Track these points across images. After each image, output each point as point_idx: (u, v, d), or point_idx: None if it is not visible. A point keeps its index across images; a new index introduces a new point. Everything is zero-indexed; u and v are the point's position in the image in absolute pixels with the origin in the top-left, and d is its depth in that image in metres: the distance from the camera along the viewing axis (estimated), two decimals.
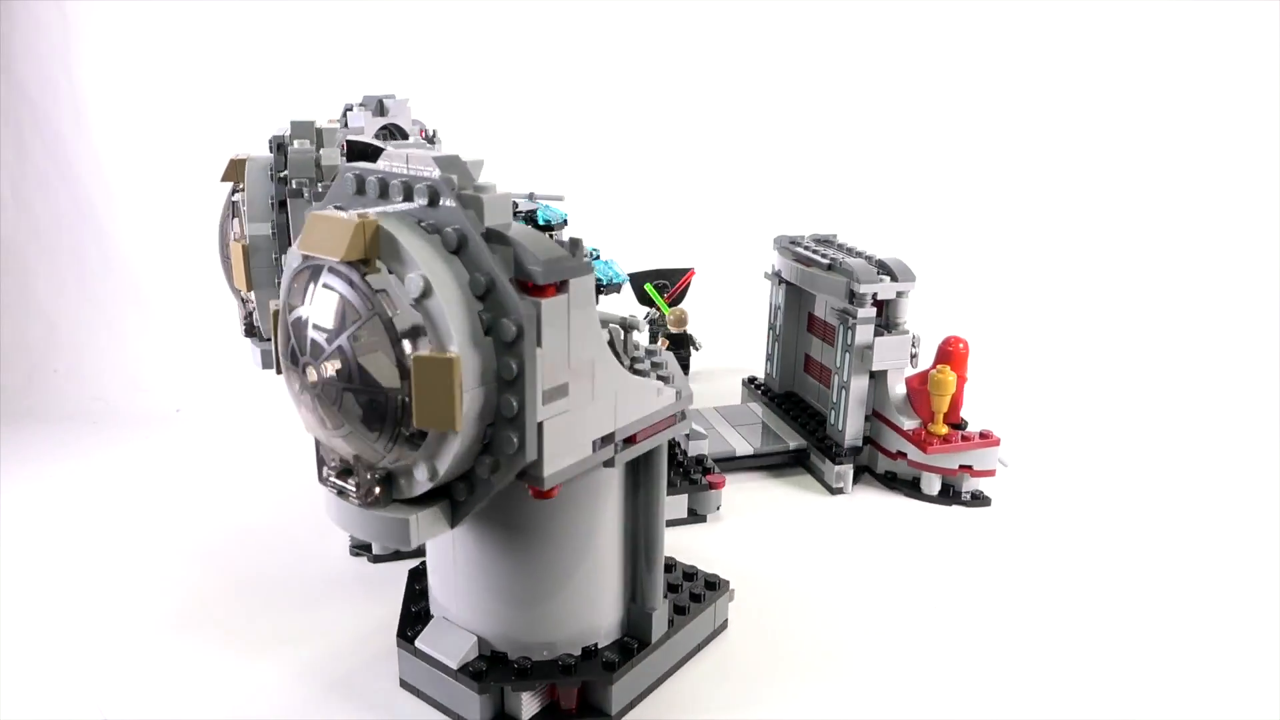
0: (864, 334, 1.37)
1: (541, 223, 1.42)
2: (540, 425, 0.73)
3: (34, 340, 1.98)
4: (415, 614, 0.98)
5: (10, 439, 1.63)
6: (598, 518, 0.89)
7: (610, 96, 2.52)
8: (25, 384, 1.87)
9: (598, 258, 1.21)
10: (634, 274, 2.06)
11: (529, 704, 0.91)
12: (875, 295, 1.37)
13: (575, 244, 0.76)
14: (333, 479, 0.79)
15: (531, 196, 1.77)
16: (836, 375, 1.43)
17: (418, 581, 1.04)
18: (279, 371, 0.81)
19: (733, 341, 1.99)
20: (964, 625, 1.10)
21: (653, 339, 1.90)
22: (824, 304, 1.54)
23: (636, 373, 0.89)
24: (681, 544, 1.27)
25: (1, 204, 2.08)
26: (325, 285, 0.73)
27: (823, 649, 1.05)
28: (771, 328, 1.69)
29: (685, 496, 1.32)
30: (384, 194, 0.78)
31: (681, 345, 1.90)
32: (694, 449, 1.38)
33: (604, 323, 0.94)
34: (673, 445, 1.39)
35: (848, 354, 1.39)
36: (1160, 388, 1.91)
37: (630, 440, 0.85)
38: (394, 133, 1.71)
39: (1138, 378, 1.96)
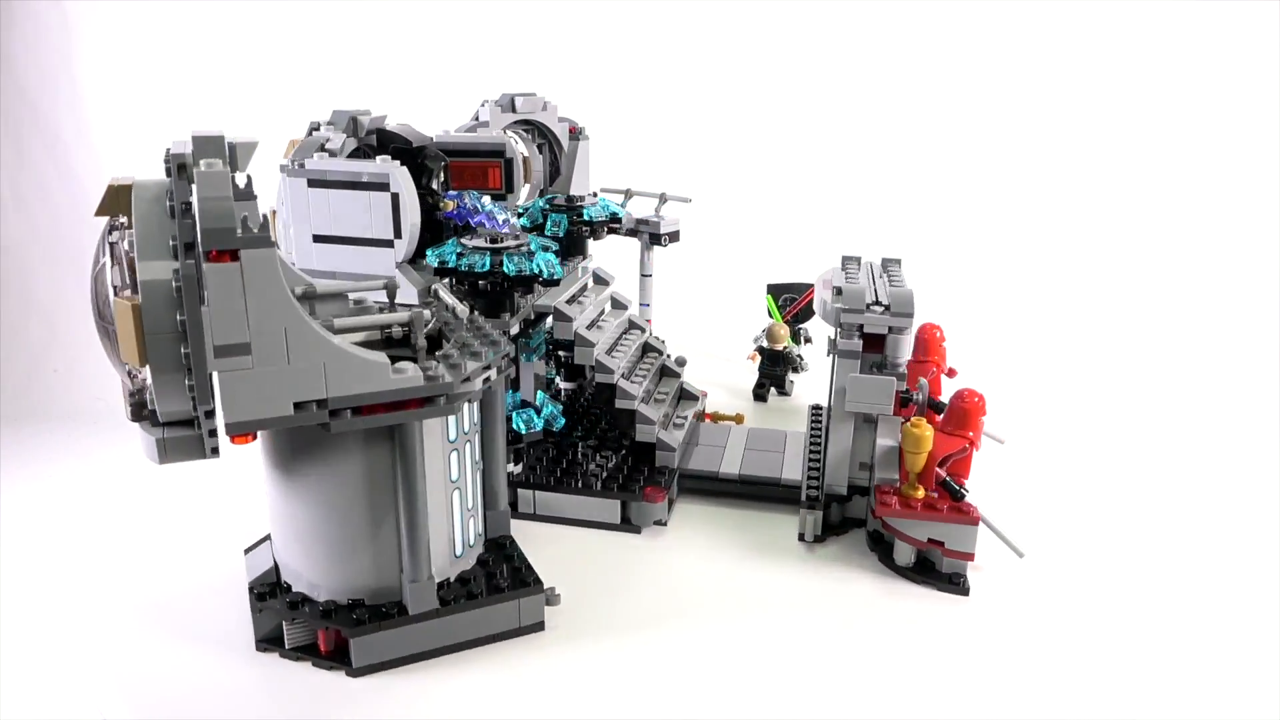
0: (844, 369, 1.23)
1: (586, 217, 1.49)
2: (210, 379, 0.84)
3: (34, 340, 1.95)
4: None
5: (10, 439, 1.62)
6: (345, 481, 0.97)
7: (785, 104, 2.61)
8: (25, 384, 1.85)
9: (547, 249, 1.25)
10: (773, 285, 2.00)
11: (292, 633, 1.02)
12: (861, 328, 1.21)
13: (260, 222, 0.84)
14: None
15: (663, 197, 1.83)
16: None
17: None
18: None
19: None
20: None
21: (773, 359, 1.83)
22: None
23: (441, 356, 0.95)
24: (588, 547, 1.27)
25: (1, 204, 2.06)
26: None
27: (614, 690, 1.00)
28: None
29: (618, 502, 1.30)
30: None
31: (776, 363, 1.81)
32: (642, 434, 1.35)
33: (434, 303, 1.02)
34: (620, 436, 1.40)
35: (834, 390, 1.25)
36: (1160, 392, 1.88)
37: (361, 412, 0.91)
38: (541, 130, 1.88)
39: (1137, 381, 1.94)
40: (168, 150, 0.88)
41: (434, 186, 1.35)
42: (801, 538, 1.29)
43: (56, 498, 1.41)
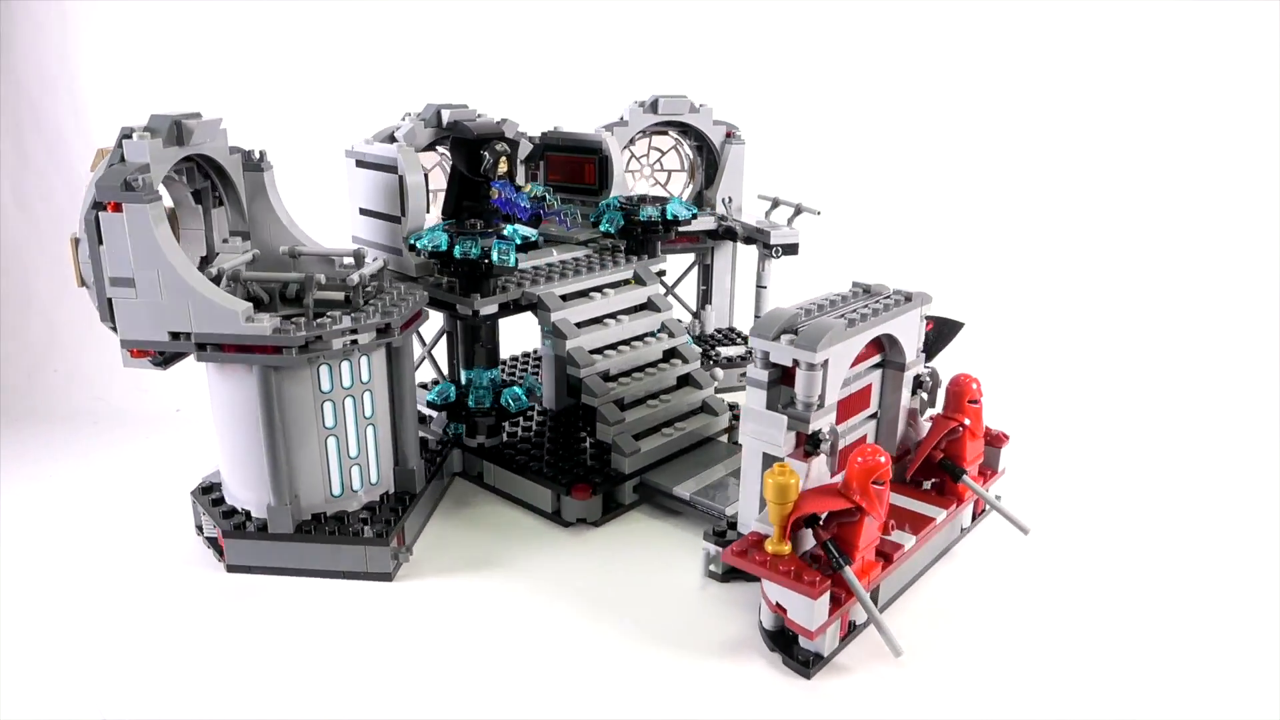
0: (751, 399, 1.11)
1: (641, 217, 1.52)
2: (110, 301, 1.08)
3: (34, 340, 1.96)
4: None
5: (10, 439, 1.63)
6: (232, 409, 1.17)
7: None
8: (25, 384, 1.86)
9: (509, 239, 1.31)
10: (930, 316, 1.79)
11: (207, 525, 1.24)
12: (769, 355, 1.09)
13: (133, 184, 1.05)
14: None
15: (798, 208, 1.79)
16: None
17: None
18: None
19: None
20: None
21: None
22: None
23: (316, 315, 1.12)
24: (499, 526, 1.32)
25: (2, 204, 2.06)
26: None
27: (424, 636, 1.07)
28: None
29: (549, 492, 1.32)
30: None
31: None
32: (601, 432, 1.34)
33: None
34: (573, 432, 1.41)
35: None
36: (1161, 391, 1.86)
37: (222, 349, 1.09)
38: (687, 131, 1.91)
39: (1141, 380, 1.92)
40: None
41: (494, 175, 1.47)
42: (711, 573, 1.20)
43: (56, 498, 1.41)
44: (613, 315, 1.46)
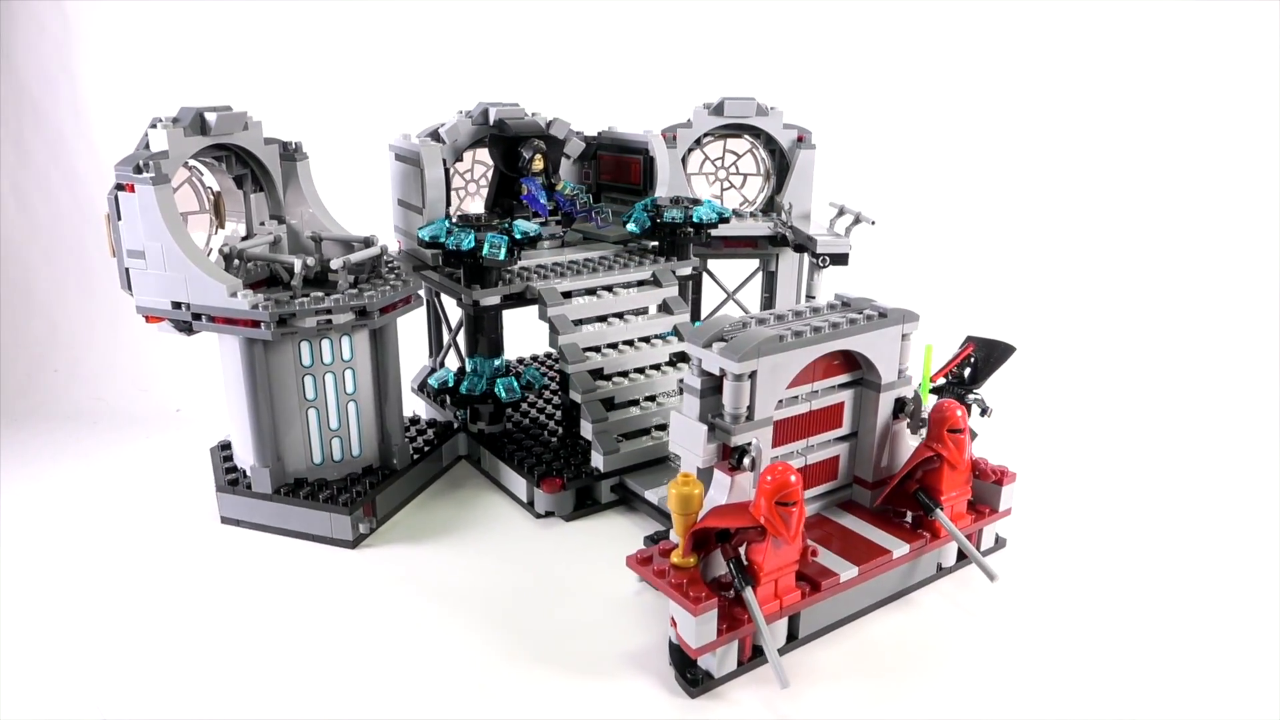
0: (686, 406, 1.09)
1: (666, 219, 1.53)
2: (128, 270, 1.22)
3: (34, 340, 1.97)
4: None
5: (10, 439, 1.63)
6: (231, 376, 1.27)
7: None
8: (25, 384, 1.86)
9: (503, 233, 1.35)
10: (972, 337, 1.66)
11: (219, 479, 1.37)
12: (700, 363, 1.06)
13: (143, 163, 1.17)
14: None
15: (858, 217, 1.74)
16: None
17: None
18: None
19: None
20: None
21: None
22: None
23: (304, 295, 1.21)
24: (473, 510, 1.36)
25: (2, 204, 2.07)
26: None
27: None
28: None
29: (524, 482, 1.35)
30: None
31: None
32: (584, 429, 1.34)
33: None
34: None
35: None
36: (1162, 392, 1.85)
37: (220, 321, 1.21)
38: (760, 134, 1.88)
39: (1141, 380, 1.91)
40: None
41: (529, 172, 1.52)
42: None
43: (56, 498, 1.41)
44: (619, 314, 1.47)
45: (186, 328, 1.28)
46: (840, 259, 1.69)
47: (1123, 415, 1.75)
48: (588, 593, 1.16)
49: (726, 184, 1.97)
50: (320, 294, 1.22)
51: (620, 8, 2.42)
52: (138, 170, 1.16)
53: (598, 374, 1.40)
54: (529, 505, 1.36)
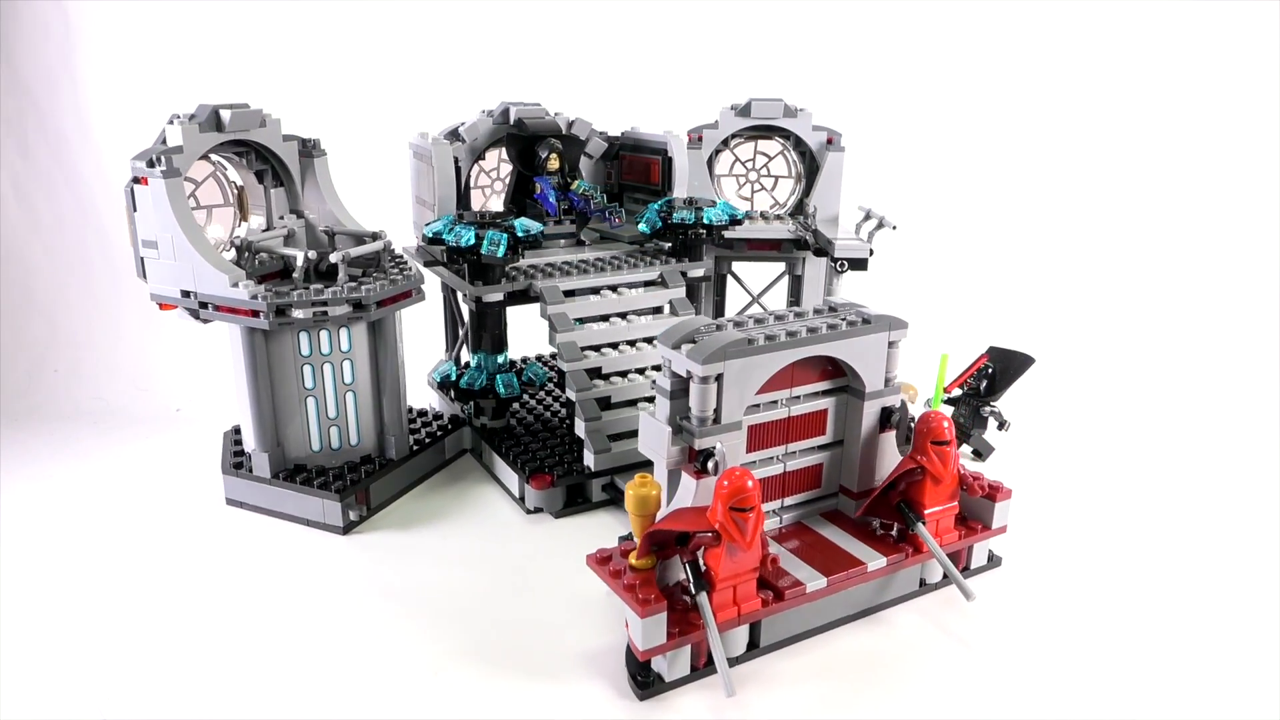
0: (655, 408, 1.08)
1: (675, 219, 1.53)
2: (143, 260, 1.28)
3: (34, 340, 1.97)
4: None
5: (10, 439, 1.63)
6: (238, 365, 1.32)
7: None
8: (25, 384, 1.86)
9: (505, 230, 1.36)
10: (994, 348, 1.61)
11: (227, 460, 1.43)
12: (670, 364, 1.05)
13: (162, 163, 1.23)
14: None
15: (868, 215, 1.72)
16: None
17: None
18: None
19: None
20: None
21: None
22: None
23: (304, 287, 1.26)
24: (470, 502, 1.39)
25: (4, 203, 2.06)
26: None
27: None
28: None
29: (516, 477, 1.36)
30: None
31: None
32: (578, 427, 1.35)
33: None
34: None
35: None
36: (1162, 393, 1.85)
37: (223, 310, 1.26)
38: (789, 136, 1.86)
39: (1141, 381, 1.91)
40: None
41: (544, 171, 1.54)
42: None
43: (56, 498, 1.42)
44: (622, 314, 1.47)
45: (198, 315, 1.34)
46: (859, 264, 1.66)
47: (1146, 433, 1.68)
48: (559, 590, 1.16)
49: (757, 186, 1.95)
50: (320, 286, 1.25)
51: (652, 8, 2.42)
52: (150, 164, 1.22)
53: (596, 373, 1.40)
54: (520, 500, 1.37)
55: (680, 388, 1.05)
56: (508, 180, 1.72)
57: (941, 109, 2.46)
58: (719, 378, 1.01)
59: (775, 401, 1.11)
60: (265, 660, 1.03)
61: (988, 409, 1.54)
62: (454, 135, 1.58)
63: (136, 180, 1.24)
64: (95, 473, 1.50)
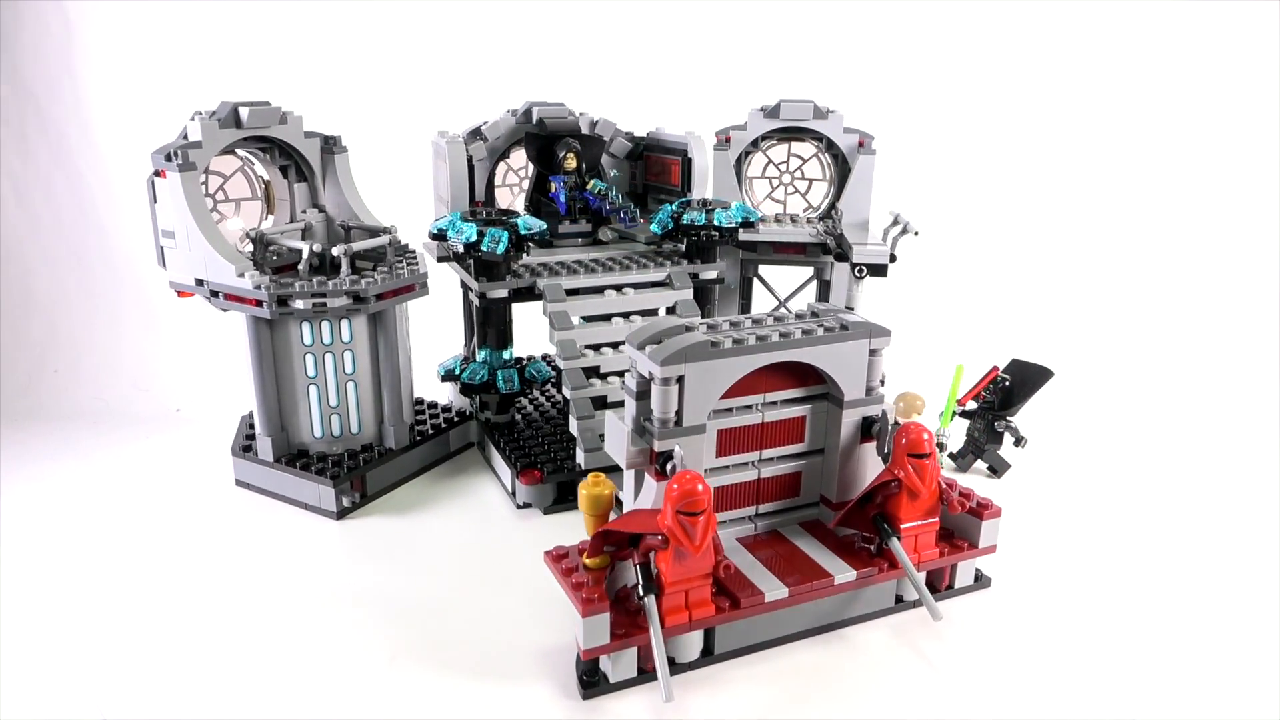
0: (625, 408, 1.08)
1: (685, 221, 1.53)
2: (162, 249, 1.35)
3: (34, 340, 1.97)
4: None
5: (10, 439, 1.63)
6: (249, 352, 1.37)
7: None
8: (25, 384, 1.86)
9: (506, 228, 1.37)
10: (1017, 360, 1.55)
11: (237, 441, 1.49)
12: (635, 365, 1.05)
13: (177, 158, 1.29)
14: None
15: (896, 219, 1.69)
16: None
17: None
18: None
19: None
20: None
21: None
22: None
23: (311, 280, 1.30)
24: (460, 494, 1.41)
25: (4, 204, 2.05)
26: None
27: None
28: None
29: (509, 471, 1.38)
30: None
31: None
32: (572, 424, 1.35)
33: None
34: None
35: None
36: (1162, 395, 1.84)
37: (230, 298, 1.31)
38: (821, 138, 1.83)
39: (1141, 382, 1.89)
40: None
41: (562, 170, 1.55)
42: None
43: (56, 498, 1.42)
44: (624, 314, 1.47)
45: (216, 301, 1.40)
46: (878, 270, 1.62)
47: (1164, 454, 1.61)
48: (530, 586, 1.16)
49: (790, 188, 1.92)
50: (324, 278, 1.29)
51: (692, 7, 2.40)
52: (169, 158, 1.28)
53: (594, 372, 1.40)
54: (513, 495, 1.39)
55: (645, 389, 1.05)
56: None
57: (977, 113, 2.39)
58: (680, 380, 1.00)
59: (749, 406, 1.10)
60: (228, 648, 1.05)
61: (1003, 423, 1.48)
62: (476, 134, 1.61)
63: (156, 173, 1.31)
64: (95, 473, 1.51)
